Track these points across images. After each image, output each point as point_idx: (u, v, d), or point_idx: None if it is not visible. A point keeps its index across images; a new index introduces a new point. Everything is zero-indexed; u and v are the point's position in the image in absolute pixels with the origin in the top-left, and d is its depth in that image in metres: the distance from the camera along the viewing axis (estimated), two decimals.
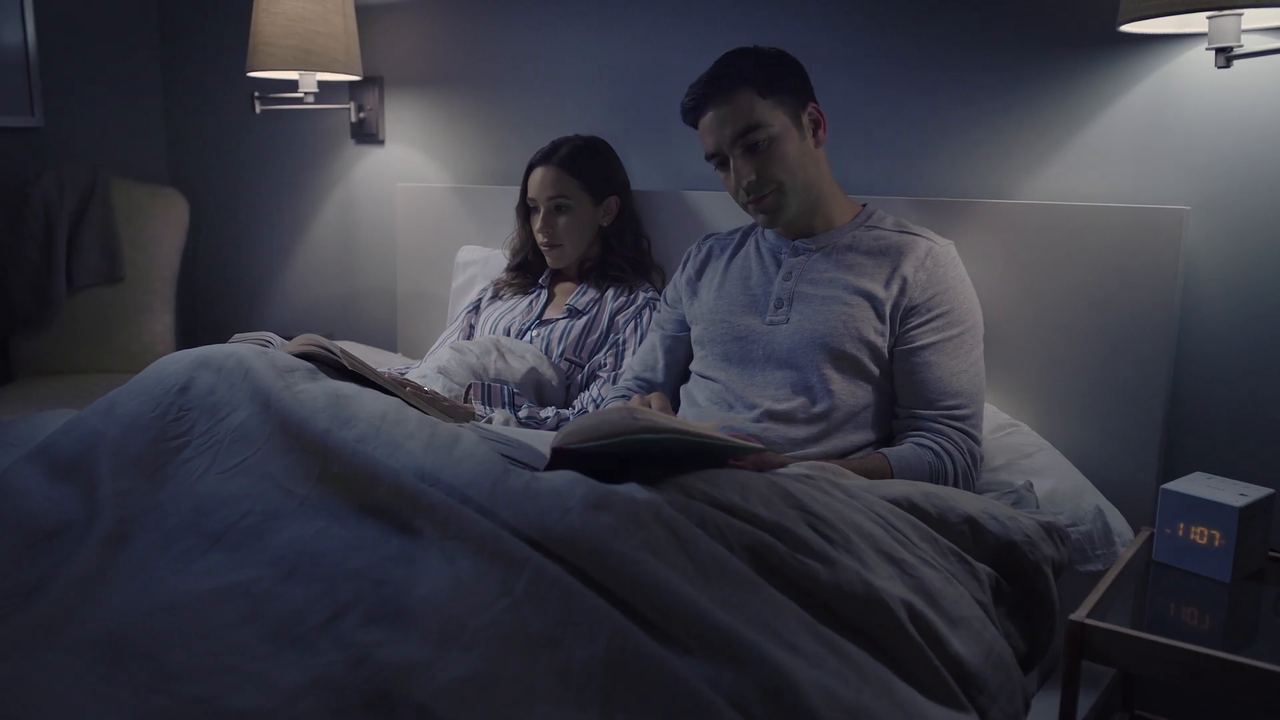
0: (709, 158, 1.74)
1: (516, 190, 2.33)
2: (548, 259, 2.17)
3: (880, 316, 1.64)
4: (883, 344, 1.64)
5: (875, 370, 1.65)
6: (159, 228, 2.90)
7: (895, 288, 1.64)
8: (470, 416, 1.65)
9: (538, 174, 2.14)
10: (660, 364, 1.89)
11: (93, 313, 2.81)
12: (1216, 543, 1.40)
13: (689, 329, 1.86)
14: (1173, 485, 1.45)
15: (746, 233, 1.87)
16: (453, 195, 2.57)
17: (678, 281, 1.92)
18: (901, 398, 1.66)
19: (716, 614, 0.95)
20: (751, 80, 1.66)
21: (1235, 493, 1.42)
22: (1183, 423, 1.76)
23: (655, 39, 2.29)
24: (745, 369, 1.70)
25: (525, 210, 2.20)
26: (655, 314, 1.99)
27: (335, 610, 0.98)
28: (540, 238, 2.14)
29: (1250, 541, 1.41)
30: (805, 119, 1.70)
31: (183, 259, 2.95)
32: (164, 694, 0.87)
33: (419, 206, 2.63)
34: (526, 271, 2.26)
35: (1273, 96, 1.63)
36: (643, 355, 1.94)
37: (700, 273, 1.88)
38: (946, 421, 1.62)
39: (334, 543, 1.07)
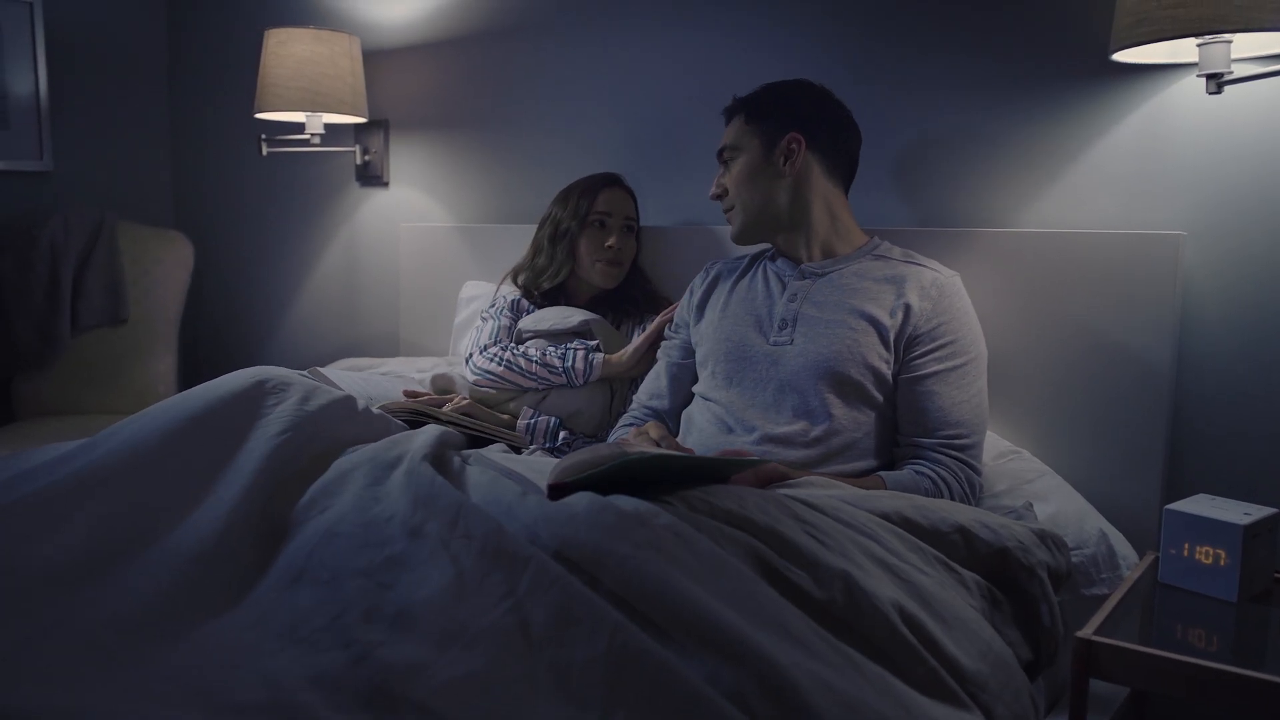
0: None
1: (519, 228, 2.35)
2: (604, 277, 2.14)
3: (885, 343, 1.64)
4: (887, 370, 1.65)
5: (879, 397, 1.65)
6: (164, 270, 2.92)
7: (900, 315, 1.65)
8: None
9: (614, 192, 2.16)
10: (666, 391, 1.90)
11: (96, 353, 2.82)
12: (1222, 562, 1.39)
13: (694, 354, 1.87)
14: (1176, 506, 1.44)
15: (755, 258, 1.89)
16: (456, 235, 2.59)
17: (686, 306, 1.94)
18: (903, 426, 1.66)
19: (717, 612, 0.94)
20: (746, 107, 1.81)
21: (1239, 512, 1.42)
22: (1185, 446, 1.75)
23: (657, 78, 2.33)
24: (746, 391, 1.71)
25: (577, 231, 2.14)
26: (664, 342, 2.00)
27: (338, 611, 0.98)
28: (608, 254, 2.12)
29: (1255, 561, 1.40)
30: (780, 145, 1.75)
31: (187, 300, 2.97)
32: (168, 682, 0.86)
33: (422, 246, 2.66)
34: (555, 297, 2.22)
35: (1264, 121, 1.66)
36: (649, 384, 1.95)
37: (707, 296, 1.90)
38: (946, 451, 1.62)
39: (342, 542, 1.07)
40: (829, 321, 1.67)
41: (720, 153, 1.83)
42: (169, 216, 3.32)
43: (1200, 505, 1.45)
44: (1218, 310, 1.71)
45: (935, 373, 1.63)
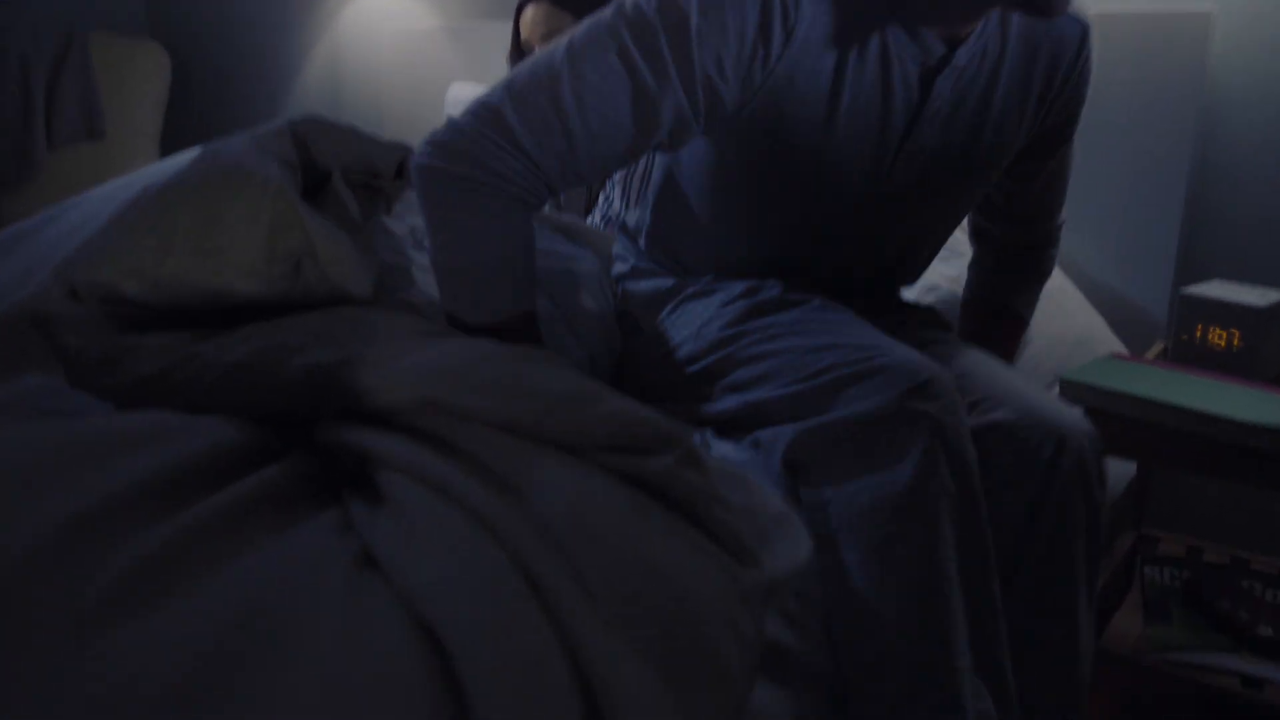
0: None
1: (507, 26, 2.23)
2: None
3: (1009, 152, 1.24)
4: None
5: None
6: (140, 82, 2.81)
7: (1042, 109, 1.21)
8: None
9: (529, 12, 1.99)
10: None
11: (74, 171, 2.73)
12: (1235, 344, 1.35)
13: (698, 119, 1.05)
14: (1191, 289, 1.40)
15: (871, 23, 1.06)
16: (442, 35, 2.46)
17: (752, 37, 1.01)
18: (1018, 209, 1.36)
19: None
20: None
21: (1255, 294, 1.37)
22: (1202, 233, 1.69)
23: None
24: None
25: (518, 56, 2.08)
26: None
27: None
28: None
29: (1271, 343, 1.36)
30: None
31: (166, 114, 2.86)
32: None
33: (407, 49, 2.53)
34: None
35: None
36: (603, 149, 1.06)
37: (808, 55, 1.05)
38: (1056, 230, 1.42)
39: None
40: (965, 159, 1.18)
41: None
42: (144, 26, 3.17)
43: (1216, 289, 1.40)
44: (1246, 93, 1.62)
45: (1065, 154, 1.32)
